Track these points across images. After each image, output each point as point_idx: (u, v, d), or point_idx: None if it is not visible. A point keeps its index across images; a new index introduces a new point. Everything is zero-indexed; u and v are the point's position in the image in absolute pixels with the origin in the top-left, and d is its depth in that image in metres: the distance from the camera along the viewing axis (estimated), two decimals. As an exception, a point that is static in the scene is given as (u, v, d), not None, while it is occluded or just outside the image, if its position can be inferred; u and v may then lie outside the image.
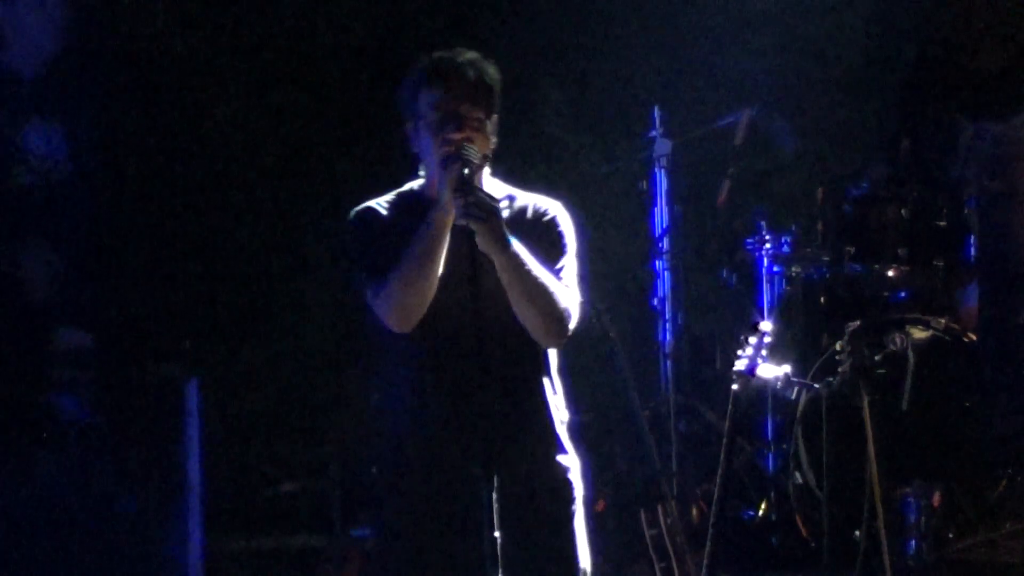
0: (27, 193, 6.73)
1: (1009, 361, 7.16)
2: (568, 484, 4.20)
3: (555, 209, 4.21)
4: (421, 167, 4.22)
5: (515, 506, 4.01)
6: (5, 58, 6.76)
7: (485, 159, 4.06)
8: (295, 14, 8.26)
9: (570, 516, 4.19)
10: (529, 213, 4.19)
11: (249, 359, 8.09)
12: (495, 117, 4.18)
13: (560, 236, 4.18)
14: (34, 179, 6.76)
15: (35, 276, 6.70)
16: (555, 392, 4.23)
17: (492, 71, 4.18)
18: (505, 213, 4.12)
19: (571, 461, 4.23)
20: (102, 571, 6.29)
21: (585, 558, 4.21)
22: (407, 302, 4.02)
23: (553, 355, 4.23)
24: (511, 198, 4.21)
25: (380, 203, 4.21)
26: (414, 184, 4.25)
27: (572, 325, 4.11)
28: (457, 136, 4.05)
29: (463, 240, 3.97)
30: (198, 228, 7.81)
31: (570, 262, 4.18)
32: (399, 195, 4.23)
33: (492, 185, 4.21)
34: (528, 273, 4.00)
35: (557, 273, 4.12)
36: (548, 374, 4.22)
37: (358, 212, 4.21)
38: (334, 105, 8.32)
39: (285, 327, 8.20)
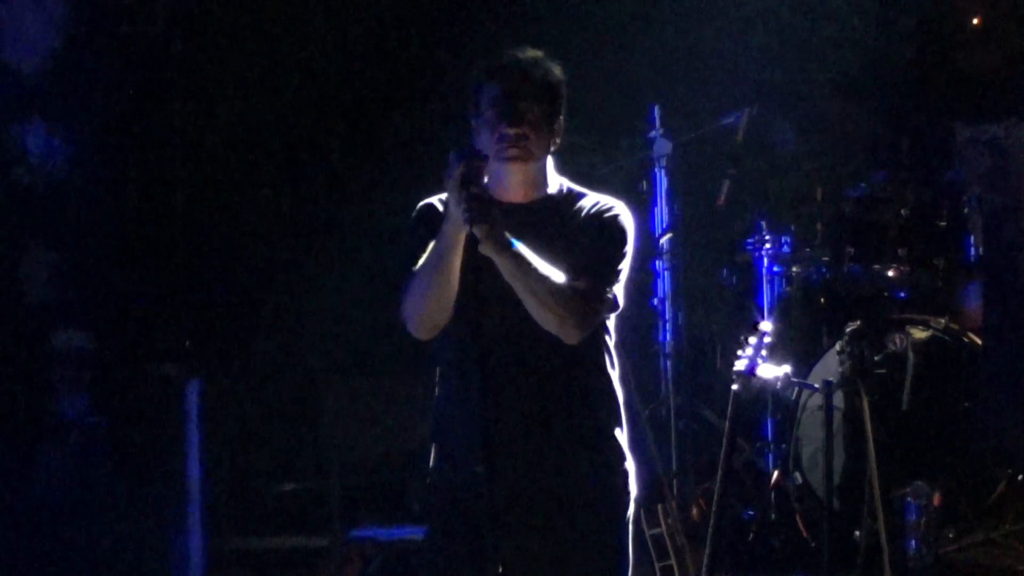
0: (27, 193, 6.73)
1: (1010, 361, 7.16)
2: (615, 492, 4.10)
3: (619, 208, 4.15)
4: None
5: (558, 510, 4.00)
6: (5, 56, 6.76)
7: (486, 159, 3.92)
8: (295, 13, 8.25)
9: (619, 521, 4.10)
10: (591, 209, 4.11)
11: (249, 359, 8.09)
12: (560, 116, 4.10)
13: (619, 231, 4.11)
14: (34, 179, 6.76)
15: (35, 276, 6.70)
16: (612, 395, 4.12)
17: (556, 70, 4.09)
18: (566, 209, 4.08)
19: (628, 465, 4.13)
20: (102, 571, 6.29)
21: (629, 560, 4.13)
22: (422, 311, 3.95)
23: (609, 358, 4.11)
24: (576, 195, 4.15)
25: (441, 199, 4.07)
26: None
27: (595, 318, 4.01)
28: (511, 132, 3.99)
29: (469, 244, 3.87)
30: (198, 228, 7.80)
31: (626, 257, 4.11)
32: None
33: (557, 182, 4.15)
34: (533, 273, 3.90)
35: (613, 265, 4.05)
36: (600, 377, 4.10)
37: (417, 209, 4.13)
38: (336, 105, 8.31)
39: (285, 327, 8.19)
